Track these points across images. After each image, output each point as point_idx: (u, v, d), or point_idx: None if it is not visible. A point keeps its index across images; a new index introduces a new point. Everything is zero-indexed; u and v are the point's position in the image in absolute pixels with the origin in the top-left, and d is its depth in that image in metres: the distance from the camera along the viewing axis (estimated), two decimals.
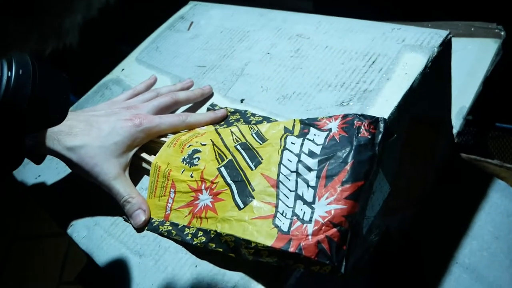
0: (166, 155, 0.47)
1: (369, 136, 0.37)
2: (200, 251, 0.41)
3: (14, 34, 0.20)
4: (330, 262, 0.32)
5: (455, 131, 0.63)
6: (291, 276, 0.37)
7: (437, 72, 0.49)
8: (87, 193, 0.53)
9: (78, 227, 0.50)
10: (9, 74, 0.34)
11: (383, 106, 0.43)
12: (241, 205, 0.37)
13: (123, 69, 0.69)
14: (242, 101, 0.52)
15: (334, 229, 0.33)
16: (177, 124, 0.50)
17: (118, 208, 0.48)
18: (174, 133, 0.50)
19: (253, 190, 0.38)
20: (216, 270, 0.39)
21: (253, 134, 0.43)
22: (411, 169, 0.53)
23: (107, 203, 0.50)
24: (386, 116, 0.41)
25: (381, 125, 0.38)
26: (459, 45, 0.73)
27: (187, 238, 0.40)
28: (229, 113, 0.51)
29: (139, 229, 0.45)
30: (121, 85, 0.66)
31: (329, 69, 0.50)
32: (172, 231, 0.42)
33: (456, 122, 0.64)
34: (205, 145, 0.45)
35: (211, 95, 0.56)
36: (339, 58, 0.51)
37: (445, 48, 0.48)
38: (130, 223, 0.46)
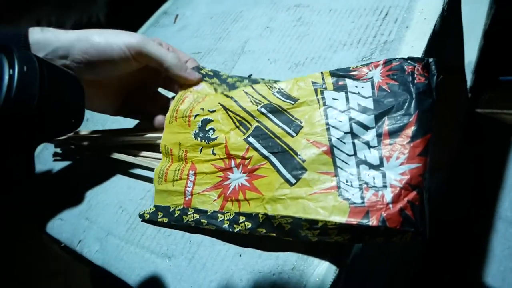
0: (171, 133, 0.41)
1: (426, 81, 0.32)
2: (240, 239, 0.35)
3: None
4: (415, 230, 0.27)
5: (467, 86, 0.60)
6: (352, 249, 0.32)
7: (452, 16, 0.46)
8: (88, 204, 0.47)
9: (88, 241, 0.43)
10: (11, 72, 0.29)
11: (410, 54, 0.40)
12: (292, 180, 0.32)
13: None
14: (250, 76, 0.47)
15: (414, 192, 0.28)
16: (165, 53, 0.43)
17: (129, 210, 0.42)
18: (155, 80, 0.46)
19: (303, 160, 0.32)
20: (266, 255, 0.33)
21: (276, 94, 0.37)
22: (441, 123, 0.49)
23: (116, 209, 0.44)
24: None
25: (433, 67, 0.33)
26: None
27: (224, 226, 0.34)
28: (204, 73, 0.46)
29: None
30: None
31: (340, 29, 0.47)
32: (201, 219, 0.36)
33: (467, 76, 0.61)
34: (214, 111, 0.39)
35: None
36: (348, 18, 0.47)
37: None
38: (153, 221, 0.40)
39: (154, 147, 0.45)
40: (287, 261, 0.32)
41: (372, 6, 0.47)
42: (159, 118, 0.45)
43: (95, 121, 0.59)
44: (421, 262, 0.54)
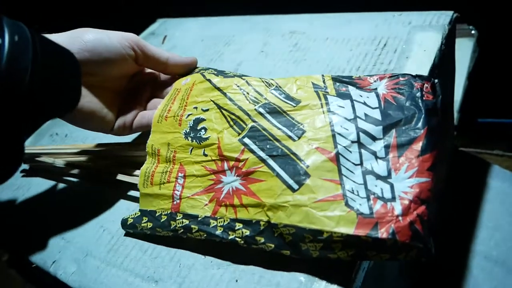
0: (160, 133, 0.39)
1: (434, 100, 0.32)
2: (234, 258, 0.33)
3: None
4: (424, 245, 0.26)
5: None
6: (359, 271, 0.30)
7: (448, 52, 0.47)
8: (65, 223, 0.43)
9: (64, 262, 0.39)
10: (0, 42, 0.26)
11: None
12: (295, 186, 0.30)
13: None
14: None
15: (423, 206, 0.27)
16: (158, 49, 0.43)
17: (112, 230, 0.39)
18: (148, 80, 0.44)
19: (307, 166, 0.30)
20: (265, 281, 0.31)
21: (274, 91, 0.36)
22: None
23: (96, 228, 0.41)
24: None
25: (437, 88, 0.33)
26: None
27: (217, 232, 0.32)
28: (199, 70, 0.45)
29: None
30: None
31: (338, 56, 0.47)
32: (192, 225, 0.33)
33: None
34: (207, 110, 0.37)
35: None
36: (345, 46, 0.48)
37: (453, 27, 0.46)
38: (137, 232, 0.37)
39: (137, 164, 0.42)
40: (289, 287, 0.30)
41: (370, 36, 0.47)
42: (139, 116, 0.43)
43: (75, 137, 0.55)
44: None
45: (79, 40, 0.37)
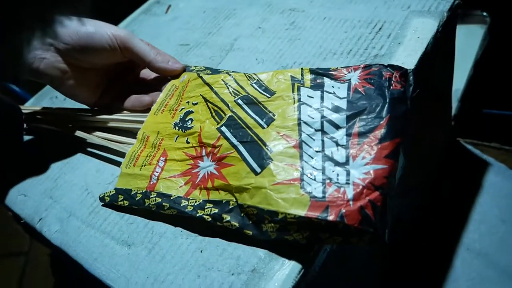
0: (153, 123, 0.41)
1: (402, 89, 0.32)
2: (202, 231, 0.34)
3: None
4: (374, 231, 0.27)
5: (452, 113, 0.61)
6: (319, 254, 0.31)
7: (446, 40, 0.47)
8: (54, 183, 0.45)
9: (49, 220, 0.42)
10: None
11: None
12: (258, 169, 0.31)
13: None
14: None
15: (377, 192, 0.28)
16: (146, 49, 0.43)
17: (95, 194, 0.41)
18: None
19: (271, 151, 0.32)
20: (227, 253, 0.32)
21: (254, 85, 0.38)
22: (420, 147, 0.49)
23: (81, 191, 0.43)
24: None
25: (411, 77, 0.34)
26: None
27: (187, 210, 0.33)
28: (196, 70, 0.46)
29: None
30: None
31: (332, 38, 0.46)
32: (164, 203, 0.35)
33: (453, 105, 0.62)
34: (196, 104, 0.39)
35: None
36: (341, 27, 0.47)
37: (453, 14, 0.45)
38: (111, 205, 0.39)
39: (123, 131, 0.44)
40: (248, 262, 0.31)
41: (367, 18, 0.47)
42: (131, 98, 0.45)
43: (73, 102, 0.57)
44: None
45: (75, 33, 0.40)
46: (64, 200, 0.43)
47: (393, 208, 0.43)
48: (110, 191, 0.39)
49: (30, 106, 0.58)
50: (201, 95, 0.39)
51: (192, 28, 0.57)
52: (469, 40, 0.68)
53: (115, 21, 0.66)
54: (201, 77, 0.41)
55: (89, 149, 0.47)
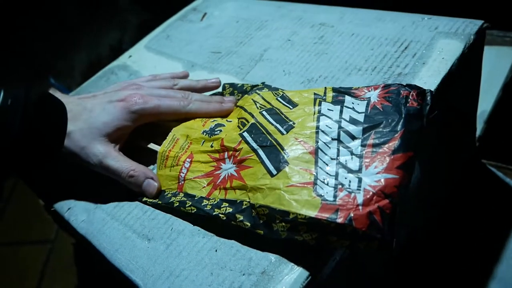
0: (184, 127, 0.43)
1: (418, 107, 0.33)
2: (219, 231, 0.36)
3: None
4: (381, 236, 0.28)
5: (476, 134, 0.61)
6: (328, 262, 0.32)
7: (471, 62, 0.47)
8: (87, 177, 0.48)
9: (77, 210, 0.44)
10: None
11: None
12: (274, 172, 0.33)
13: (130, 56, 0.65)
14: (263, 84, 0.48)
15: (386, 200, 0.29)
16: (176, 109, 0.44)
17: (122, 190, 0.43)
18: (177, 120, 0.45)
19: (288, 155, 0.33)
20: (240, 254, 0.34)
21: (279, 99, 0.40)
22: (439, 165, 0.49)
23: (110, 186, 0.45)
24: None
25: (428, 97, 0.35)
26: None
27: (205, 208, 0.36)
28: (228, 94, 0.48)
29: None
30: (128, 70, 0.62)
31: (358, 54, 0.48)
32: (187, 201, 0.37)
33: (478, 126, 0.61)
34: (230, 121, 0.42)
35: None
36: (368, 45, 0.48)
37: (480, 37, 0.46)
38: (147, 202, 0.41)
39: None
40: (259, 264, 0.33)
41: (394, 37, 0.48)
42: None
43: None
44: None
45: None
46: (93, 192, 0.45)
47: (407, 219, 0.44)
48: None
49: None
50: (237, 117, 0.42)
51: (225, 37, 0.60)
52: (499, 62, 0.68)
53: (152, 27, 0.69)
54: (238, 106, 0.44)
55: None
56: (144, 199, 0.41)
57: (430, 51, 0.44)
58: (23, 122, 0.35)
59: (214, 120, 0.43)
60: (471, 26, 0.45)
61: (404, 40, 0.47)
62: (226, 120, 0.42)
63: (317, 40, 0.52)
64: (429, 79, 0.41)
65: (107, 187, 0.45)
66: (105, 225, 0.41)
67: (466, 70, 0.45)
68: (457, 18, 0.47)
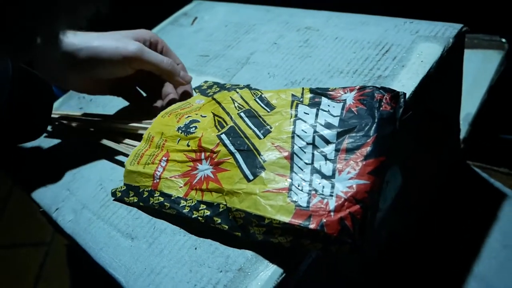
0: (159, 124, 0.44)
1: (391, 110, 0.34)
2: (199, 230, 0.37)
3: None
4: (352, 241, 0.29)
5: (461, 136, 0.61)
6: (304, 260, 0.33)
7: (451, 65, 0.48)
8: (72, 177, 0.49)
9: (64, 210, 0.45)
10: None
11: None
12: (250, 177, 0.34)
13: None
14: (248, 86, 0.49)
15: (357, 206, 0.30)
16: (160, 61, 0.46)
17: (107, 189, 0.44)
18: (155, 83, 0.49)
19: (264, 161, 0.34)
20: (219, 252, 0.35)
21: (257, 100, 0.40)
22: (421, 168, 0.50)
23: (96, 186, 0.46)
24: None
25: (401, 100, 0.35)
26: None
27: (184, 211, 0.36)
28: (206, 86, 0.50)
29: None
30: None
31: (340, 57, 0.49)
32: (165, 203, 0.38)
33: (463, 128, 0.62)
34: (205, 116, 0.42)
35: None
36: (350, 48, 0.49)
37: (459, 40, 0.47)
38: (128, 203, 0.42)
39: (137, 136, 0.47)
40: (236, 261, 0.34)
41: (376, 40, 0.49)
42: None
43: (98, 103, 0.61)
44: None
45: (89, 44, 0.43)
46: (80, 193, 0.46)
47: (388, 223, 0.45)
48: (121, 187, 0.42)
49: (58, 106, 0.62)
50: (212, 112, 0.42)
51: (214, 41, 0.61)
52: (485, 65, 0.69)
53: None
54: (214, 99, 0.44)
55: (103, 149, 0.51)
56: (126, 201, 0.42)
57: (410, 54, 0.45)
58: (11, 96, 0.35)
59: (188, 116, 0.43)
60: (451, 30, 0.46)
61: (386, 43, 0.48)
62: (201, 115, 0.42)
63: (302, 43, 0.53)
64: (407, 81, 0.42)
65: (92, 187, 0.46)
66: (91, 224, 0.42)
67: (445, 73, 0.46)
68: (437, 22, 0.48)
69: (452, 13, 0.58)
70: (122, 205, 0.43)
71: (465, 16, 0.55)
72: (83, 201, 0.45)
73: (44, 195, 0.49)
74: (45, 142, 0.56)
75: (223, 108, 0.41)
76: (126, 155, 0.45)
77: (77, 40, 0.43)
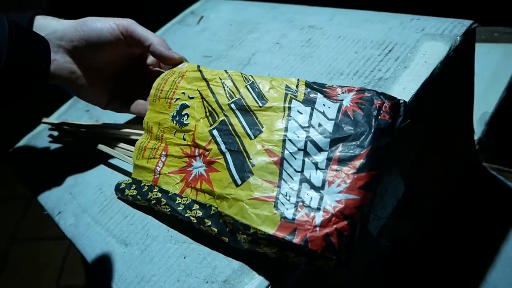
0: (154, 112, 0.43)
1: (390, 120, 0.32)
2: (190, 235, 0.37)
3: None
4: (337, 258, 0.28)
5: (476, 137, 0.59)
6: (292, 274, 0.32)
7: (460, 64, 0.46)
8: (75, 181, 0.50)
9: (66, 214, 0.46)
10: None
11: (400, 94, 0.39)
12: (239, 181, 0.33)
13: None
14: None
15: (345, 222, 0.29)
16: (148, 34, 0.45)
17: (107, 194, 0.45)
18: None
19: (253, 165, 0.33)
20: (206, 262, 0.35)
21: (249, 87, 0.38)
22: (429, 171, 0.48)
23: (96, 190, 0.47)
24: None
25: (401, 109, 0.33)
26: (481, 50, 0.69)
27: (178, 208, 0.36)
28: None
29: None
30: None
31: (342, 58, 0.47)
32: (162, 199, 0.38)
33: (478, 128, 0.59)
34: (192, 98, 0.41)
35: None
36: (353, 47, 0.48)
37: (469, 38, 0.44)
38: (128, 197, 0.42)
39: (130, 141, 0.47)
40: (222, 273, 0.33)
41: (379, 39, 0.47)
42: (138, 104, 0.48)
43: (93, 114, 0.61)
44: None
45: (78, 30, 0.43)
46: (81, 197, 0.47)
47: (391, 230, 0.44)
48: (128, 180, 0.43)
49: (66, 109, 0.63)
50: (198, 90, 0.41)
51: (218, 40, 0.60)
52: (505, 61, 0.65)
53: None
54: (200, 71, 0.43)
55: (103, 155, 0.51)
56: (126, 193, 0.42)
57: (414, 54, 0.43)
58: (10, 51, 0.35)
59: (177, 99, 0.41)
60: (459, 27, 0.44)
61: (390, 42, 0.46)
62: (188, 96, 0.41)
63: (305, 43, 0.52)
64: (408, 84, 0.40)
65: (92, 191, 0.47)
66: (89, 229, 0.43)
67: (452, 73, 0.44)
68: (445, 19, 0.46)
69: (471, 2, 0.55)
70: (119, 210, 0.43)
71: (484, 7, 0.52)
72: (83, 205, 0.46)
73: (48, 198, 0.50)
74: (50, 146, 0.57)
75: (212, 92, 0.40)
76: (120, 160, 0.45)
77: (66, 23, 0.44)
